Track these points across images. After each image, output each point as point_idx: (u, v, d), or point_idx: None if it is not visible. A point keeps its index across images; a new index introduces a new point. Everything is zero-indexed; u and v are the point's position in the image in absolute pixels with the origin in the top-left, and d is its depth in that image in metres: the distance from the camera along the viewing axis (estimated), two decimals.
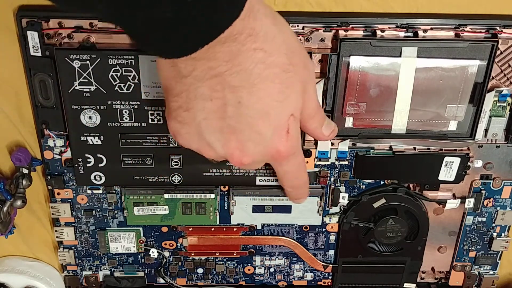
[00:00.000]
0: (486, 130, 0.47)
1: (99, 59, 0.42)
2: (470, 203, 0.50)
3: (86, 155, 0.46)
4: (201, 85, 0.31)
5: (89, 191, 0.50)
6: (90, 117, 0.44)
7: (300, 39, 0.42)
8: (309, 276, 0.56)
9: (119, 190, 0.50)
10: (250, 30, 0.30)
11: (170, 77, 0.32)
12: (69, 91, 0.43)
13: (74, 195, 0.50)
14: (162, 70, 0.33)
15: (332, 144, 0.47)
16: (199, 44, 0.29)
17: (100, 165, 0.47)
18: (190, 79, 0.31)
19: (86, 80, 0.43)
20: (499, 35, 0.42)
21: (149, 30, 0.28)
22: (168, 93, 0.33)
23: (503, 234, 0.53)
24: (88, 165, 0.47)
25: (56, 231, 0.52)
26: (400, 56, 0.42)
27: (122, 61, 0.41)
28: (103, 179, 0.48)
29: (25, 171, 0.48)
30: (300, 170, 0.40)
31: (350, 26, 0.42)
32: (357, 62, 0.42)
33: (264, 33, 0.31)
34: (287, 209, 0.51)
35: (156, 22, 0.27)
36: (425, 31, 0.42)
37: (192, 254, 0.54)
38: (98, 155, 0.46)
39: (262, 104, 0.32)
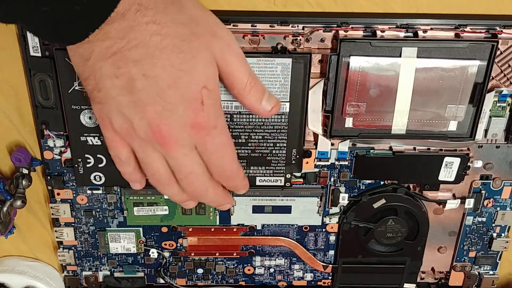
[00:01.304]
0: (486, 130, 0.47)
1: None
2: (470, 203, 0.50)
3: (86, 155, 0.46)
4: (103, 64, 0.32)
5: (89, 192, 0.50)
6: (90, 117, 0.44)
7: (300, 39, 0.42)
8: (309, 276, 0.56)
9: (119, 190, 0.50)
10: (137, 6, 0.31)
11: (77, 63, 0.33)
12: (69, 91, 0.43)
13: (74, 195, 0.50)
14: (71, 57, 0.34)
15: (332, 144, 0.47)
16: (87, 31, 0.30)
17: (100, 166, 0.47)
18: (92, 60, 0.32)
19: None
20: (499, 35, 0.42)
21: (34, 22, 0.30)
22: (81, 78, 0.34)
23: (503, 234, 0.53)
24: (88, 165, 0.47)
25: (56, 231, 0.52)
26: (400, 56, 0.42)
27: None
28: (103, 179, 0.48)
29: (25, 171, 0.48)
30: (226, 151, 0.37)
31: (350, 26, 0.42)
32: (357, 62, 0.42)
33: (153, 6, 0.31)
34: (287, 210, 0.51)
35: (37, 15, 0.29)
36: (425, 31, 0.42)
37: (192, 255, 0.54)
38: (98, 155, 0.46)
39: (167, 74, 0.32)
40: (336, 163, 0.48)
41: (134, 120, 0.34)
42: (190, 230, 0.52)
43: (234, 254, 0.54)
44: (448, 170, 0.48)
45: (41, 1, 0.28)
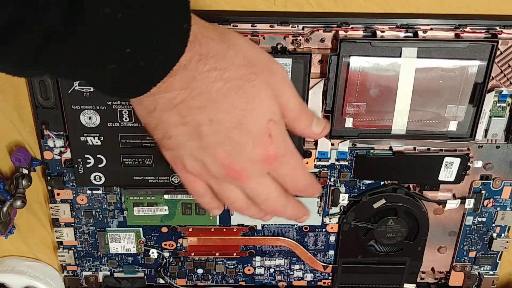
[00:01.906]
0: (486, 131, 0.47)
1: None
2: (470, 203, 0.50)
3: (86, 156, 0.46)
4: (169, 114, 0.33)
5: (89, 192, 0.50)
6: (90, 118, 0.44)
7: (300, 39, 0.42)
8: (309, 276, 0.56)
9: (119, 190, 0.50)
10: (198, 56, 0.31)
11: (143, 114, 0.34)
12: (69, 91, 0.43)
13: (74, 195, 0.50)
14: (135, 109, 0.35)
15: (332, 144, 0.47)
16: (149, 85, 0.31)
17: (100, 166, 0.47)
18: (158, 112, 0.33)
19: None
20: (499, 36, 0.42)
21: (96, 79, 0.31)
22: (148, 128, 0.35)
23: (503, 235, 0.53)
24: (88, 165, 0.47)
25: (56, 231, 0.52)
26: (400, 56, 0.42)
27: None
28: (103, 179, 0.48)
29: (25, 171, 0.48)
30: (298, 171, 0.39)
31: (350, 26, 0.42)
32: (357, 62, 0.42)
33: (213, 54, 0.32)
34: None
35: (101, 74, 0.29)
36: (425, 31, 0.42)
37: (192, 255, 0.54)
38: (98, 156, 0.46)
39: (232, 116, 0.33)
40: (336, 163, 0.48)
41: (206, 161, 0.35)
42: (190, 230, 0.52)
43: (234, 254, 0.54)
44: (448, 170, 0.48)
45: (108, 60, 0.29)
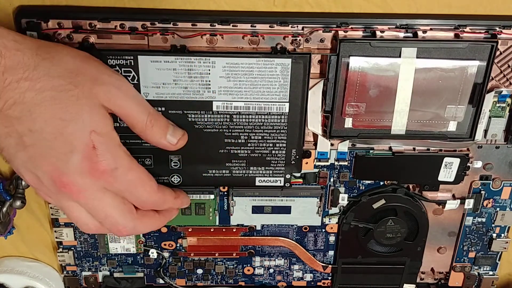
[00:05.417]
0: (485, 131, 0.47)
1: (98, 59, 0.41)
2: (469, 203, 0.50)
3: None
4: None
5: None
6: None
7: (300, 40, 0.42)
8: (308, 276, 0.56)
9: None
10: (2, 68, 0.31)
11: None
12: None
13: None
14: None
15: (332, 145, 0.47)
16: None
17: None
18: None
19: None
20: (498, 36, 0.42)
21: None
22: None
23: (502, 235, 0.53)
24: None
25: (55, 231, 0.52)
26: (399, 56, 0.42)
27: (121, 62, 0.41)
28: None
29: None
30: (136, 187, 0.38)
31: (350, 26, 0.42)
32: (356, 62, 0.42)
33: (22, 65, 0.32)
34: (286, 210, 0.51)
35: None
36: (424, 31, 0.42)
37: (192, 255, 0.54)
38: None
39: (52, 126, 0.33)
40: (336, 163, 0.48)
41: (38, 173, 0.34)
42: (189, 230, 0.52)
43: (234, 255, 0.54)
44: (448, 171, 0.48)
45: None
